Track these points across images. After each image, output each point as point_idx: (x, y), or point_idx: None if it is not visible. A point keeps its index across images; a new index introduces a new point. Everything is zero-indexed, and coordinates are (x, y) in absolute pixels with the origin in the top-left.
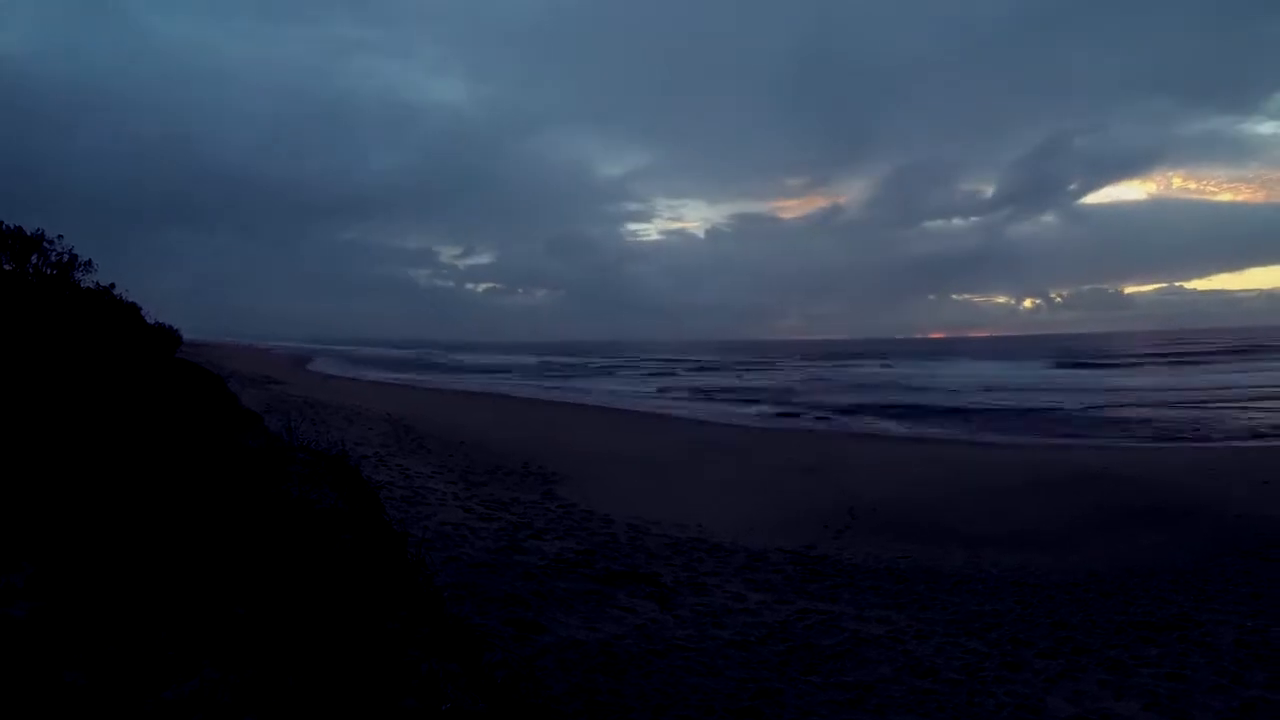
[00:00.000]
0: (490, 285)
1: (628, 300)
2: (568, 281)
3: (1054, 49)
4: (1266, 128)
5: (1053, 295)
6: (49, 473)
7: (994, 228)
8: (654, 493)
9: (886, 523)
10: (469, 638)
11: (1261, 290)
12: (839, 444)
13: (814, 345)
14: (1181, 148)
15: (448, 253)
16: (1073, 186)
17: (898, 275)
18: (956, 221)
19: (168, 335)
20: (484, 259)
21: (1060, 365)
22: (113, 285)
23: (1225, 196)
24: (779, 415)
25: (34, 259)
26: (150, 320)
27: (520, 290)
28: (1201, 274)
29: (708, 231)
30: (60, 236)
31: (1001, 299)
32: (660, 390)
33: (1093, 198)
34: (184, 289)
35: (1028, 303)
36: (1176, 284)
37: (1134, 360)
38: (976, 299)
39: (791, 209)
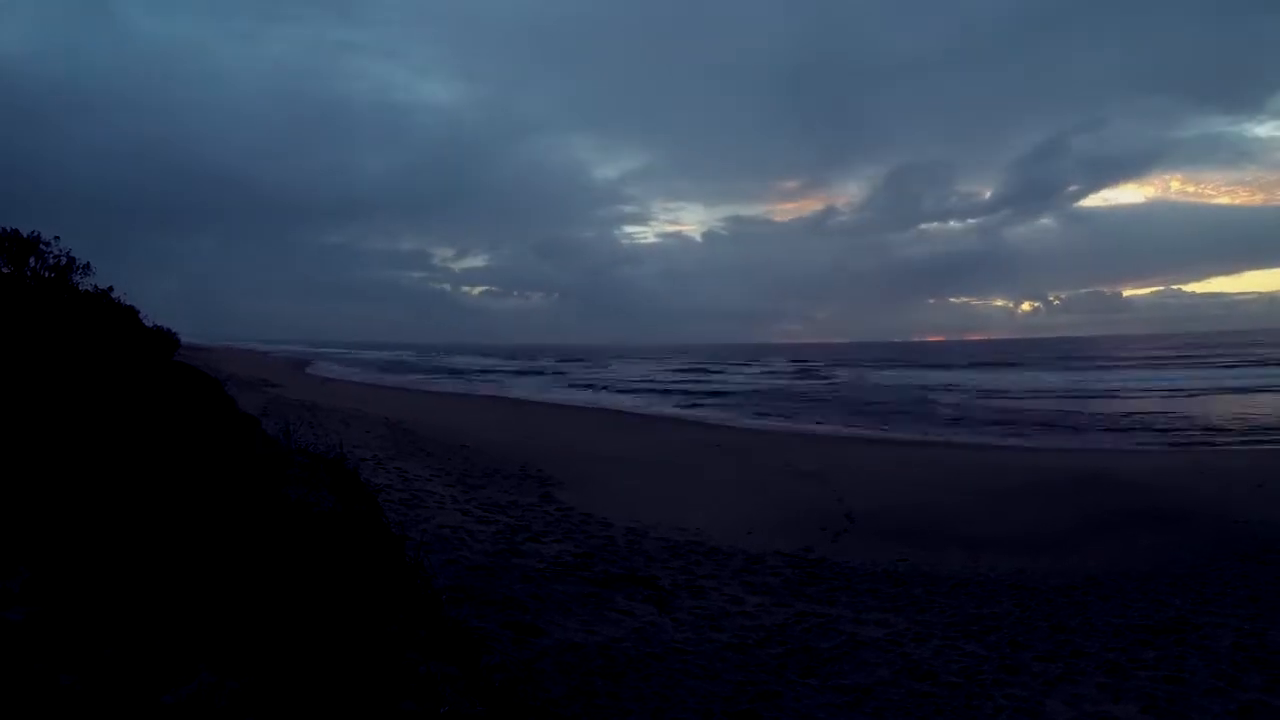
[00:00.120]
0: (485, 288)
1: (624, 304)
2: (563, 285)
3: (1053, 49)
4: (1264, 129)
5: (1051, 298)
6: (46, 476)
7: (991, 230)
8: (651, 495)
9: (884, 526)
10: (467, 640)
11: (1259, 294)
12: (837, 446)
13: (809, 349)
14: (1180, 150)
15: (441, 255)
16: (1072, 188)
17: (895, 278)
18: (953, 224)
19: (166, 338)
20: (478, 262)
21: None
22: (110, 288)
23: (1223, 200)
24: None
25: (32, 262)
26: (148, 323)
27: (515, 293)
28: (1199, 277)
29: (704, 234)
30: (57, 238)
31: (999, 302)
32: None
33: (1091, 200)
34: (178, 291)
35: (1026, 305)
36: (1174, 287)
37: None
38: (974, 302)
39: (788, 211)
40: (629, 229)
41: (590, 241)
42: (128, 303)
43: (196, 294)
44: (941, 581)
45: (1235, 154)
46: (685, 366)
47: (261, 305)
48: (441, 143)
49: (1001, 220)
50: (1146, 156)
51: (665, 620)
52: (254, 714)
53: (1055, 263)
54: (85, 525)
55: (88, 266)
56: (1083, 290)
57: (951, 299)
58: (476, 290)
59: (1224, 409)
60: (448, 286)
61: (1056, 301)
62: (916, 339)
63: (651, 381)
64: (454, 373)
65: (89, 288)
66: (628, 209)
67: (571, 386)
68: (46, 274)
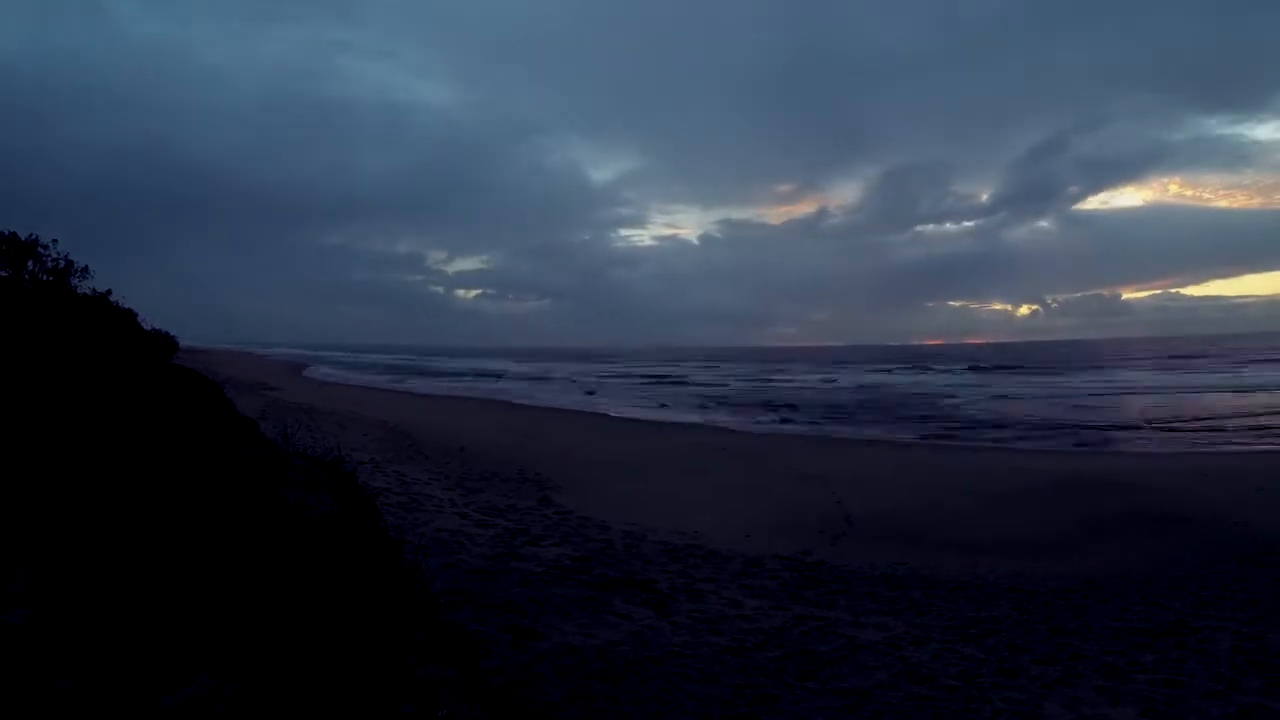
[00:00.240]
0: (480, 291)
1: (620, 307)
2: (559, 288)
3: (1052, 49)
4: (1262, 131)
5: (1049, 301)
6: (45, 479)
7: (989, 232)
8: (650, 498)
9: (882, 529)
10: (466, 644)
11: (1259, 297)
12: (835, 449)
13: (812, 353)
14: (1178, 153)
15: (436, 257)
16: (1071, 190)
17: (892, 281)
18: (950, 226)
19: (164, 341)
20: (474, 264)
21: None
22: (109, 291)
23: (1222, 203)
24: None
25: (30, 265)
26: (147, 326)
27: (511, 296)
28: (1198, 280)
29: (700, 237)
30: (55, 241)
31: (998, 305)
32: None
33: (1090, 203)
34: (175, 292)
35: (1024, 309)
36: (1173, 290)
37: None
38: (972, 305)
39: (784, 214)
40: (625, 232)
41: (587, 245)
42: (126, 306)
43: (194, 295)
44: (940, 584)
45: (1233, 157)
46: (679, 369)
47: (259, 307)
48: (439, 144)
49: (999, 222)
50: (1145, 159)
51: (663, 624)
52: (253, 716)
53: (1054, 265)
54: (84, 528)
55: (86, 269)
56: (1081, 293)
57: (949, 302)
58: (472, 293)
59: (1223, 411)
60: (442, 289)
61: (1055, 304)
62: (915, 342)
63: (653, 381)
64: (450, 375)
65: (88, 291)
66: (624, 212)
67: (571, 390)
68: (45, 277)
